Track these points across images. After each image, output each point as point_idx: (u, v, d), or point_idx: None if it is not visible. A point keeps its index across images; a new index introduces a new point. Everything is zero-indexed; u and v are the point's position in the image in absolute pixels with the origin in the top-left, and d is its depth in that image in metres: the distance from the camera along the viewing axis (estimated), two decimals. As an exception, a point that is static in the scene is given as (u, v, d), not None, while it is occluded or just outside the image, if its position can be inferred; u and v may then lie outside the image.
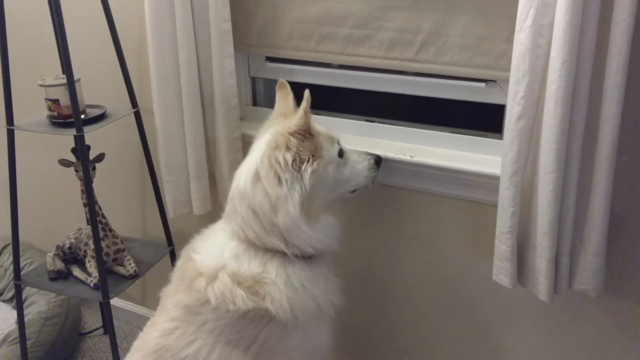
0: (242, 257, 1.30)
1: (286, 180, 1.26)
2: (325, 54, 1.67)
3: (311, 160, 1.28)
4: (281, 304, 1.26)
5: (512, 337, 1.69)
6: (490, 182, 1.49)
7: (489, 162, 1.53)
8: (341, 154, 1.41)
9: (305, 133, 1.29)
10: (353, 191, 1.47)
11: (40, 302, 2.26)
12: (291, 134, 1.28)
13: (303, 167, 1.27)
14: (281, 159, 1.26)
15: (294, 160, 1.26)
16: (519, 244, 1.41)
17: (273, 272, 1.29)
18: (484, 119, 1.69)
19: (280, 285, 1.28)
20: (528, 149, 1.31)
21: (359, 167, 1.46)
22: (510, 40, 1.32)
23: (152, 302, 2.41)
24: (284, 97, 1.49)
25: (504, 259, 1.41)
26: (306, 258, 1.34)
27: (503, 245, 1.40)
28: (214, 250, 1.33)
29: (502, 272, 1.43)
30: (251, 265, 1.29)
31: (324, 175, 1.32)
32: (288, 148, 1.27)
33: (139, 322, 2.28)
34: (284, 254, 1.31)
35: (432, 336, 1.82)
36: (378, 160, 1.51)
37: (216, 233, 1.40)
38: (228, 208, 1.37)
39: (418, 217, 1.68)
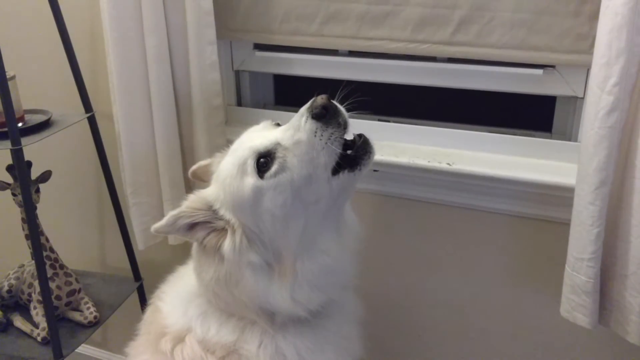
0: (210, 319, 1.09)
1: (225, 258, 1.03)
2: (333, 39, 1.47)
3: (221, 239, 1.04)
4: None
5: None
6: (549, 194, 1.34)
7: (546, 168, 1.36)
8: (264, 165, 0.98)
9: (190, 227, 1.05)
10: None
11: (-26, 358, 2.01)
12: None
13: (223, 249, 1.02)
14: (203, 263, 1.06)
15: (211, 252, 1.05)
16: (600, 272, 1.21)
17: (254, 344, 1.06)
18: (527, 115, 1.53)
19: None
20: (619, 152, 1.12)
21: (303, 148, 0.96)
22: (578, 13, 1.22)
23: (116, 344, 2.18)
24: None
25: (581, 293, 1.21)
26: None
27: (582, 275, 1.19)
28: (178, 305, 1.14)
29: (578, 308, 1.23)
30: (221, 331, 1.08)
31: (265, 225, 1.01)
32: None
33: (100, 369, 2.19)
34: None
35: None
36: (317, 112, 0.95)
37: (184, 277, 1.19)
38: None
39: (456, 239, 1.52)
